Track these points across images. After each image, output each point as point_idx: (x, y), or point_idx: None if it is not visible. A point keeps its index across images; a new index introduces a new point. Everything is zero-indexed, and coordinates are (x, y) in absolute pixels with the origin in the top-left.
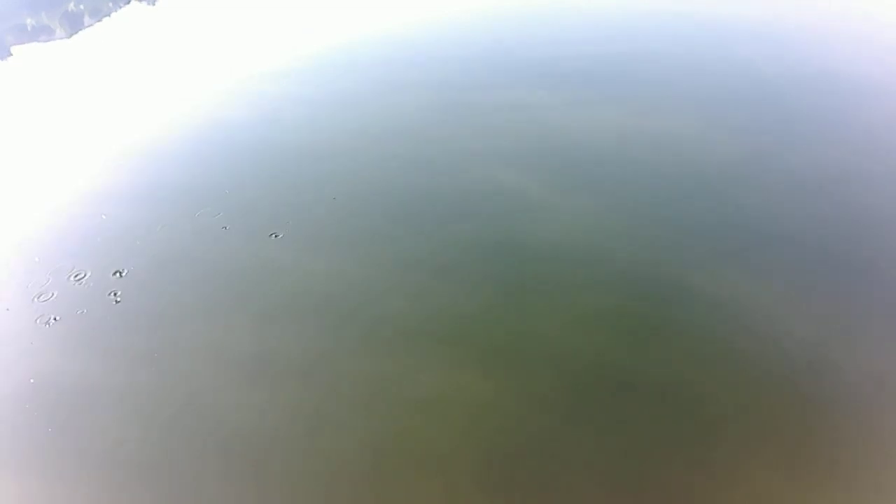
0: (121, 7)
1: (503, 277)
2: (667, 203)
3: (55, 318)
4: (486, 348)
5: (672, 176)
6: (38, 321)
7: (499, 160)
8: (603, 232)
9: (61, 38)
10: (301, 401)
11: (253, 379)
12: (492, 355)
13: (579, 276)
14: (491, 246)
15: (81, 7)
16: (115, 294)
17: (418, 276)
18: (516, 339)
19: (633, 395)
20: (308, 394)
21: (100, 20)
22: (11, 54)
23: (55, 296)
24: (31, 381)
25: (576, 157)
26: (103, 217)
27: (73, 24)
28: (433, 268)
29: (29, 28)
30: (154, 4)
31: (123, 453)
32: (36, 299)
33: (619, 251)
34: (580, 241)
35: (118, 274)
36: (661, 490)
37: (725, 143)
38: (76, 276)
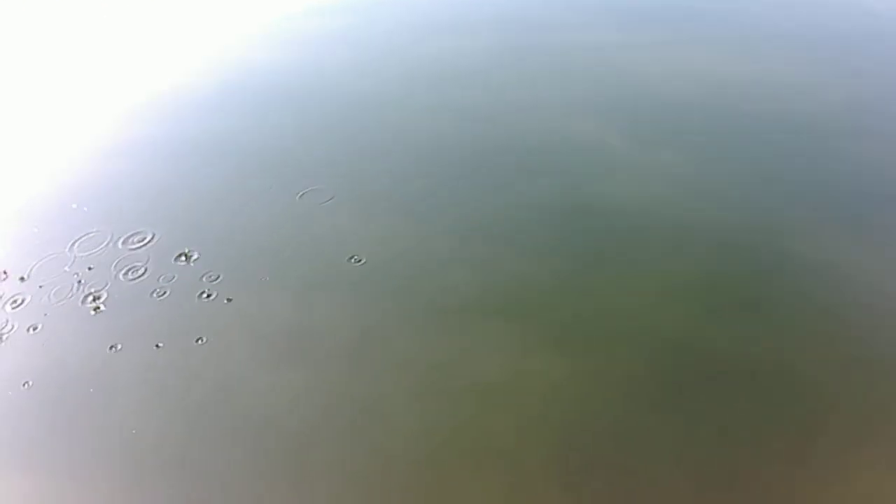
0: None
1: (578, 244)
2: (763, 159)
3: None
4: (560, 326)
5: (769, 128)
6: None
7: (571, 110)
8: (691, 192)
9: None
10: (346, 386)
11: (291, 360)
12: (566, 334)
13: (665, 243)
14: (564, 208)
15: None
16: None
17: (482, 243)
18: (593, 315)
19: (726, 378)
20: (354, 378)
21: None
22: None
23: (76, 266)
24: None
25: (659, 106)
26: (117, 173)
27: None
28: (499, 234)
29: None
30: None
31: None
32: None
33: (709, 214)
34: (665, 202)
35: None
36: (756, 486)
37: (831, 88)
38: (88, 239)
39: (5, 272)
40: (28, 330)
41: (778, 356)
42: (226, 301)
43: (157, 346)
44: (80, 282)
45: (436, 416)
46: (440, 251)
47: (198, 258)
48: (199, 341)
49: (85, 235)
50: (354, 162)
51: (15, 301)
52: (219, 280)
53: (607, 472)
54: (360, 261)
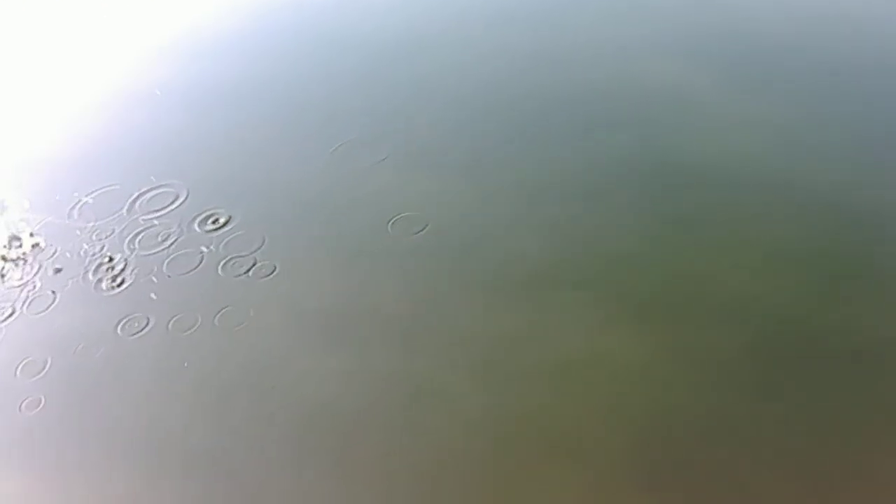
0: None
1: (664, 205)
2: (877, 109)
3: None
4: (641, 299)
5: (883, 73)
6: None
7: (652, 52)
8: (792, 146)
9: None
10: (397, 367)
11: (336, 338)
12: (650, 307)
13: (762, 205)
14: (647, 164)
15: None
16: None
17: (552, 205)
18: (680, 286)
19: (843, 362)
20: (406, 357)
21: None
22: None
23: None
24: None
25: (755, 47)
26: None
27: None
28: (571, 194)
29: None
30: None
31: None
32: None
33: (812, 172)
34: (762, 158)
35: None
36: (871, 485)
37: None
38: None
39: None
40: (32, 305)
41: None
42: (265, 272)
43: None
44: (95, 247)
45: (500, 403)
46: (504, 214)
47: (230, 221)
48: (234, 317)
49: (100, 189)
50: (402, 113)
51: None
52: (257, 249)
53: (697, 471)
54: (412, 225)
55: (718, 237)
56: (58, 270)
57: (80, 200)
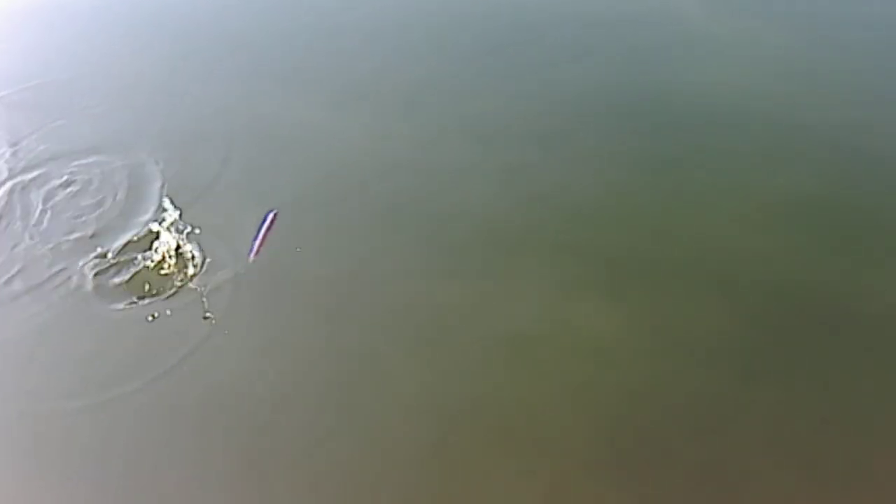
0: None
1: (644, 150)
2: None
3: None
4: (611, 261)
5: None
6: None
7: None
8: (797, 79)
9: None
10: (326, 341)
11: (265, 307)
12: (620, 272)
13: (760, 148)
14: (624, 101)
15: None
16: None
17: (505, 149)
18: (658, 247)
19: (847, 337)
20: (337, 329)
21: None
22: None
23: None
24: None
25: None
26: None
27: None
28: (532, 136)
29: None
30: None
31: None
32: None
33: (818, 110)
34: (763, 92)
35: None
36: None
37: None
38: None
39: None
40: None
41: None
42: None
43: None
44: None
45: (446, 384)
46: (452, 160)
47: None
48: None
49: None
50: (332, 42)
51: None
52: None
53: (675, 466)
54: (343, 175)
55: (704, 187)
56: None
57: None
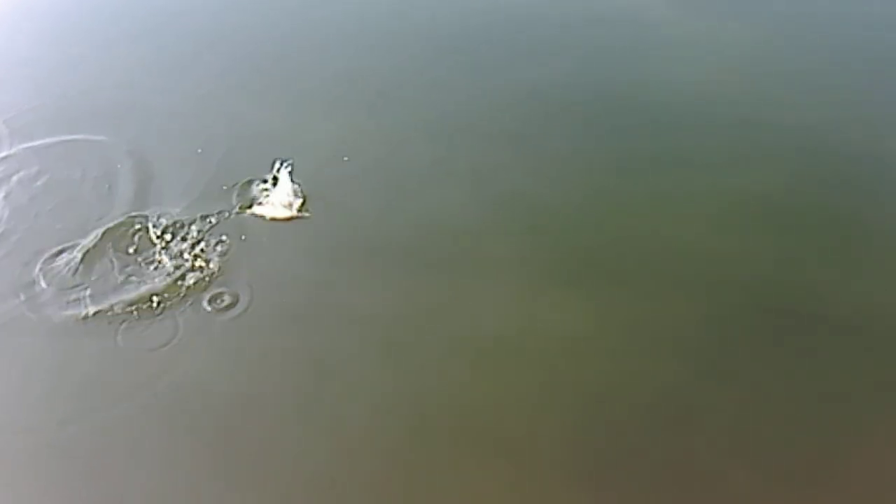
0: None
1: (610, 148)
2: (861, 34)
3: None
4: (579, 260)
5: None
6: None
7: None
8: (764, 78)
9: None
10: (294, 351)
11: (229, 316)
12: (588, 271)
13: (729, 147)
14: (590, 100)
15: None
16: None
17: (476, 147)
18: (626, 245)
19: (812, 335)
20: (303, 336)
21: None
22: None
23: None
24: None
25: None
26: None
27: None
28: (500, 135)
29: None
30: None
31: None
32: None
33: (791, 108)
34: (730, 91)
35: None
36: (846, 483)
37: None
38: None
39: None
40: None
41: (886, 306)
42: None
43: None
44: None
45: (413, 384)
46: (419, 160)
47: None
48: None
49: None
50: (299, 38)
51: None
52: None
53: (645, 464)
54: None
55: (672, 187)
56: None
57: None
